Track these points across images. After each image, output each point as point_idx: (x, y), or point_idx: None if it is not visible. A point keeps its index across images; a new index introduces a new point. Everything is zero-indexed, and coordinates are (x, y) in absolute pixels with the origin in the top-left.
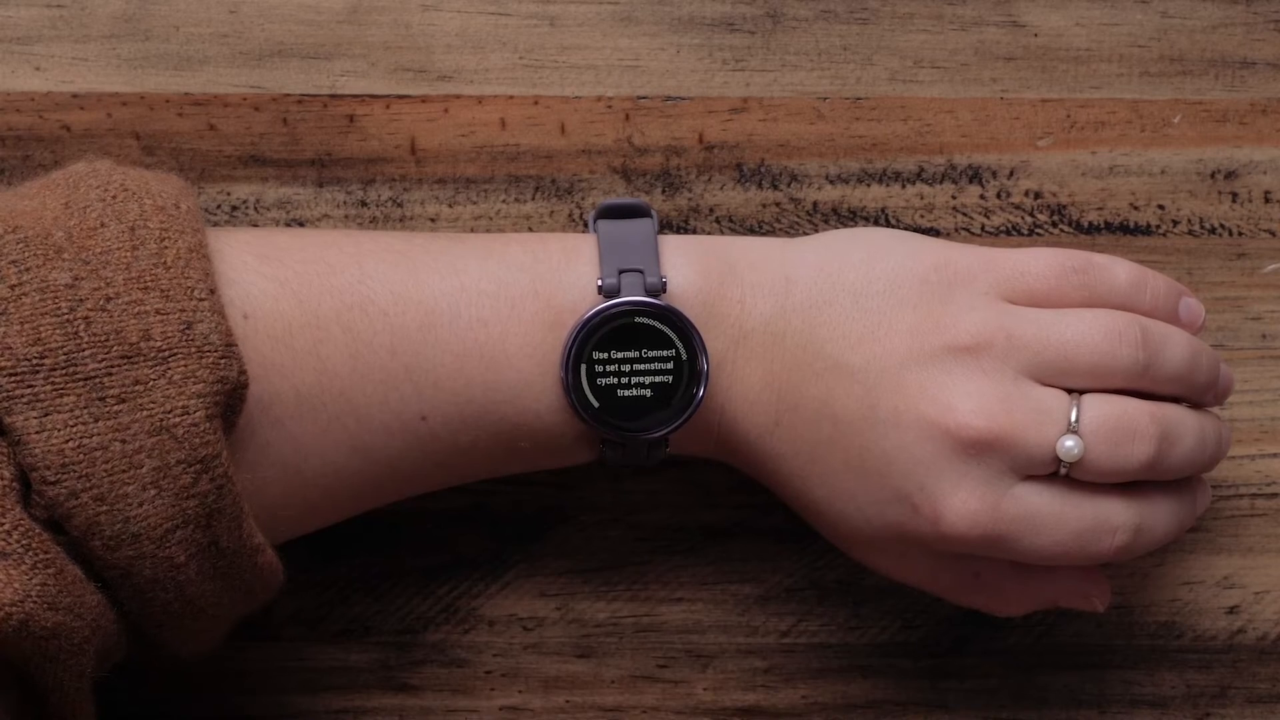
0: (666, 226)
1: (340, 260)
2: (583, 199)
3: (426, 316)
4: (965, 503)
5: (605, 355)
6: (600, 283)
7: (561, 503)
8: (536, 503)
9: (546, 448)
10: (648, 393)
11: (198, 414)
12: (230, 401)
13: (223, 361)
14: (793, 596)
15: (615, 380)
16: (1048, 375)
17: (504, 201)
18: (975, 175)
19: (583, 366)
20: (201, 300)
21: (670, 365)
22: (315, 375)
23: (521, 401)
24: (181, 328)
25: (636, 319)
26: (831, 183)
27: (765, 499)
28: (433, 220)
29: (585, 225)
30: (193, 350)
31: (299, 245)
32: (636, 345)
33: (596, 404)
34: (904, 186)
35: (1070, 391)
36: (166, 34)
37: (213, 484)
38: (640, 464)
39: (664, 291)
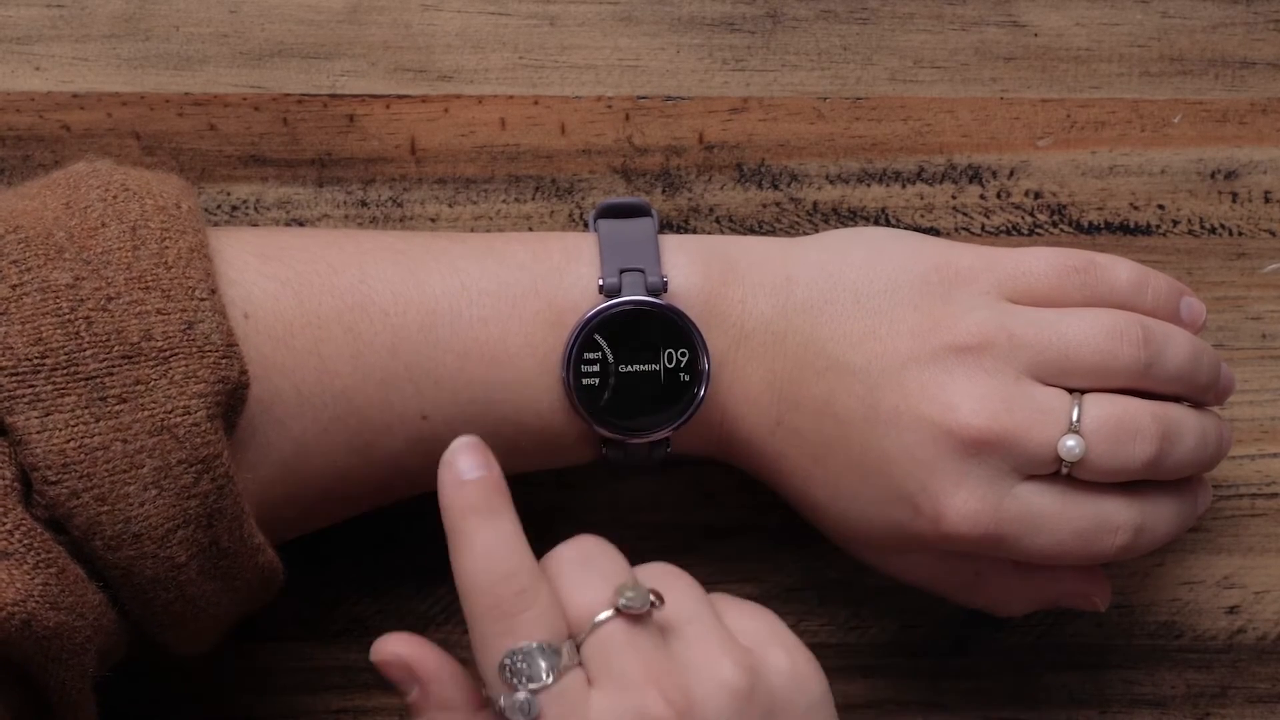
0: (667, 226)
1: (341, 260)
2: (583, 199)
3: (427, 316)
4: (966, 502)
5: None
6: (601, 282)
7: (562, 502)
8: (537, 502)
9: (548, 447)
10: None
11: (199, 414)
12: (231, 401)
13: (224, 361)
14: (793, 596)
15: None
16: (1049, 375)
17: (504, 201)
18: (975, 175)
19: (583, 366)
20: (202, 300)
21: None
22: (316, 375)
23: (522, 400)
24: (182, 327)
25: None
26: (831, 182)
27: (766, 499)
28: (433, 220)
29: (585, 225)
30: (194, 350)
31: (300, 245)
32: None
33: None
34: (904, 186)
35: (1072, 391)
36: (166, 34)
37: (214, 484)
38: (642, 464)
39: (665, 291)
